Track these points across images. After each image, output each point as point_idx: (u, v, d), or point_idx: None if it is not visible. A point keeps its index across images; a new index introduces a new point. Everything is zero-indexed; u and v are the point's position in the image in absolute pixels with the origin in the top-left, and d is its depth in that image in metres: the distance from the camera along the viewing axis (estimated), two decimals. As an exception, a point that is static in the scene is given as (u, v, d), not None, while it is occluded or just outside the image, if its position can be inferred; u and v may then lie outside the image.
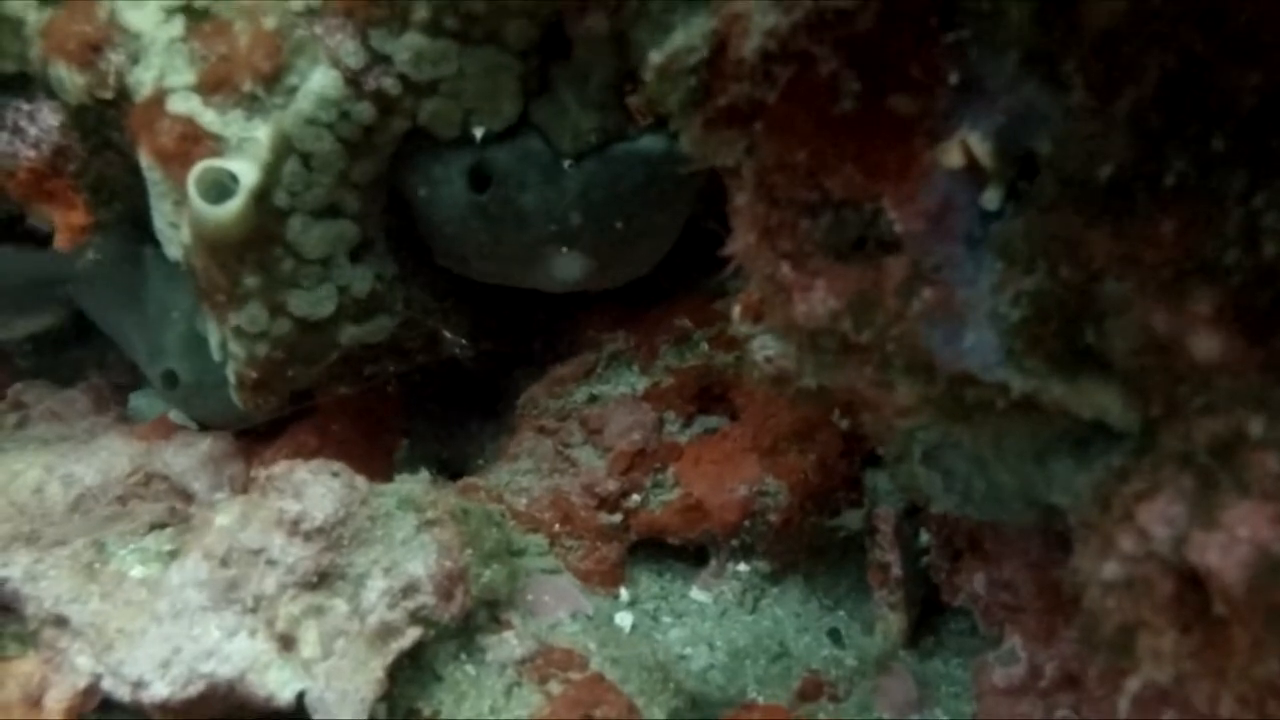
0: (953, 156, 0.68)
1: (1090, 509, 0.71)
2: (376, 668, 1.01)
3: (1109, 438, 0.76)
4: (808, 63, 0.65)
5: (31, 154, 1.26)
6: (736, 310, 0.88)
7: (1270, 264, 0.57)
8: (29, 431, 1.58)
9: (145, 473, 1.42)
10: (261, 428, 1.51)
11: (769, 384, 0.87)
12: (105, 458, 1.42)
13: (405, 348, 1.40)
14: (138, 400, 1.66)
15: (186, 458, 1.45)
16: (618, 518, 1.28)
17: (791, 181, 0.70)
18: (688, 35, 0.68)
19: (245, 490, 1.43)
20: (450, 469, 1.55)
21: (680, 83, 0.68)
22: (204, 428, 1.51)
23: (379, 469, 1.50)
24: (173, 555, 1.14)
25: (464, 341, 1.44)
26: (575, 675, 1.07)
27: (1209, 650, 0.63)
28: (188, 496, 1.44)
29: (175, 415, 1.51)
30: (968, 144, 0.68)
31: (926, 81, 0.68)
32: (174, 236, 1.22)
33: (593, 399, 1.35)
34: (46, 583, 1.12)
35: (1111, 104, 0.59)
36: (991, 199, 0.69)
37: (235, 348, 1.25)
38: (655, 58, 0.69)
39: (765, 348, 0.87)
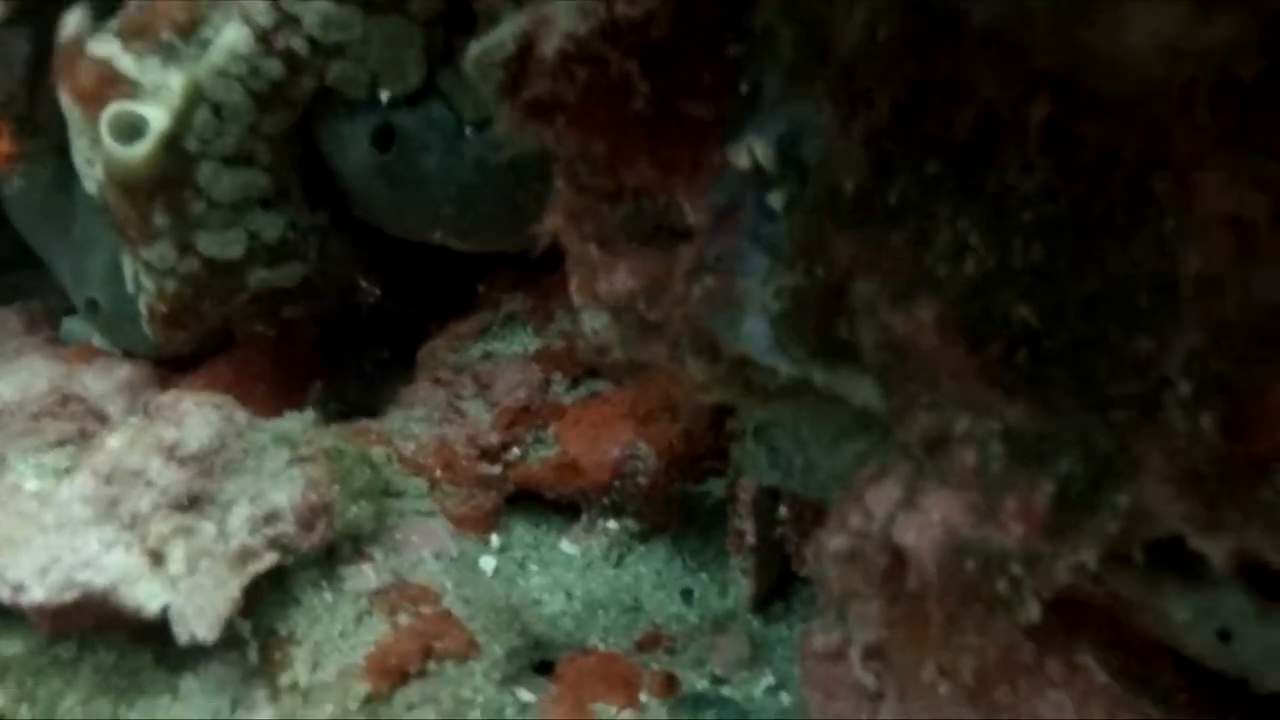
0: (742, 159, 0.75)
1: (837, 488, 0.78)
2: (233, 587, 1.08)
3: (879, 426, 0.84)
4: (603, 65, 0.72)
5: (-38, 83, 1.33)
6: (573, 283, 0.95)
7: (974, 280, 0.64)
8: (-41, 346, 1.65)
9: (63, 394, 1.49)
10: (181, 358, 1.58)
11: (593, 354, 0.94)
12: (25, 376, 1.49)
13: (321, 293, 1.47)
14: (71, 324, 1.73)
15: (104, 382, 1.52)
16: (497, 469, 1.35)
17: (593, 171, 0.77)
18: (503, 32, 0.74)
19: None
20: (362, 414, 1.62)
21: (492, 75, 0.75)
22: (126, 355, 1.58)
23: (291, 407, 1.57)
24: (68, 472, 1.21)
25: (378, 291, 1.51)
26: (426, 609, 1.14)
27: (911, 621, 0.71)
28: (103, 419, 1.51)
29: (98, 341, 1.58)
30: (753, 148, 0.74)
31: (718, 88, 0.74)
32: (90, 172, 1.29)
33: (487, 355, 1.42)
34: (-53, 488, 1.20)
35: (851, 125, 0.66)
36: (776, 200, 0.76)
37: (146, 281, 1.32)
38: (472, 49, 0.76)
39: (590, 320, 0.93)
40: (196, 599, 1.08)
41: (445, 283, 1.62)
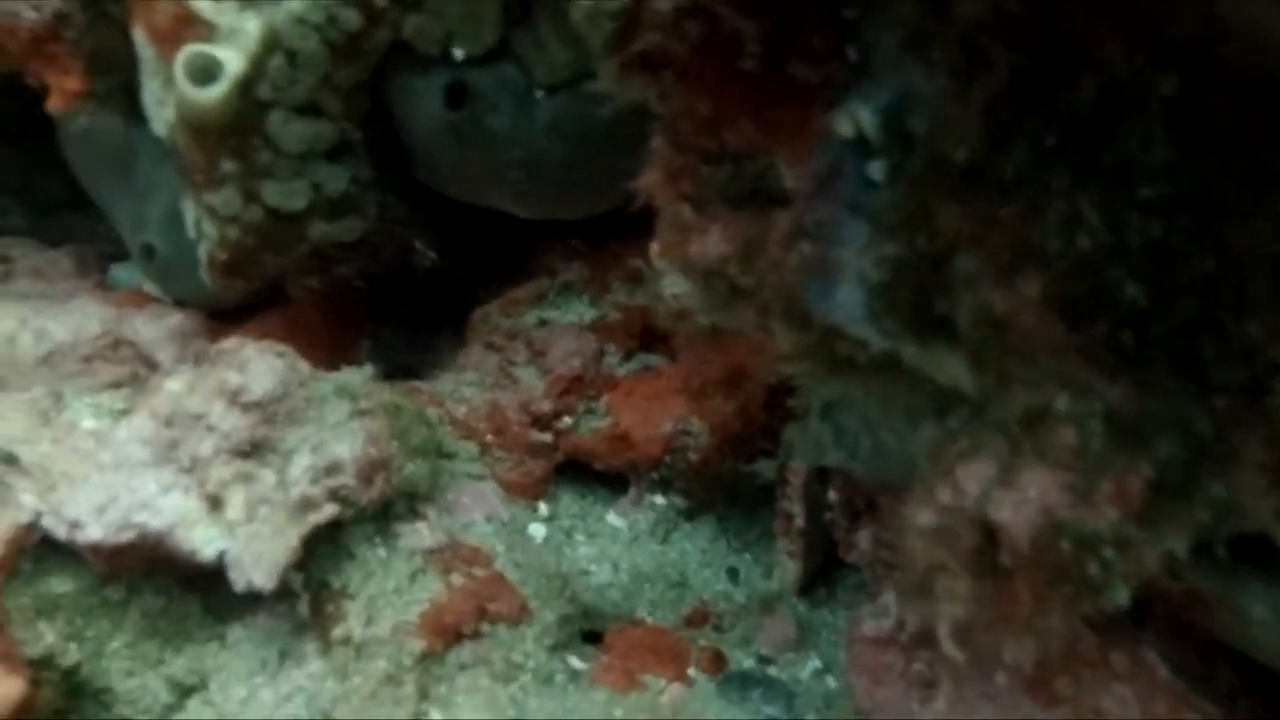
0: (844, 126, 0.74)
1: (924, 464, 0.77)
2: (292, 536, 1.08)
3: (970, 405, 0.83)
4: (715, 21, 0.71)
5: (33, 16, 1.32)
6: (654, 247, 0.95)
7: (1085, 257, 0.64)
8: (10, 286, 1.65)
9: (114, 337, 1.50)
10: (231, 310, 1.58)
11: (672, 319, 0.93)
12: (78, 318, 1.49)
13: (377, 251, 1.47)
14: (119, 271, 1.73)
15: (155, 328, 1.52)
16: (548, 436, 1.35)
17: (695, 130, 0.77)
18: (616, -17, 0.74)
19: (209, 367, 1.51)
20: (409, 375, 1.62)
21: (602, 25, 0.74)
22: (177, 303, 1.58)
23: (339, 363, 1.57)
24: (124, 413, 1.22)
25: (434, 254, 1.50)
26: (478, 571, 1.14)
27: (999, 599, 0.70)
28: (152, 365, 1.51)
29: (150, 287, 1.58)
30: (858, 116, 0.74)
31: (827, 53, 0.74)
32: (160, 114, 1.29)
33: (542, 323, 1.42)
34: (3, 423, 1.20)
35: (969, 92, 0.65)
36: (876, 170, 0.75)
37: (208, 227, 1.32)
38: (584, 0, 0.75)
39: (673, 285, 0.93)
40: (255, 546, 1.08)
41: (496, 249, 1.62)
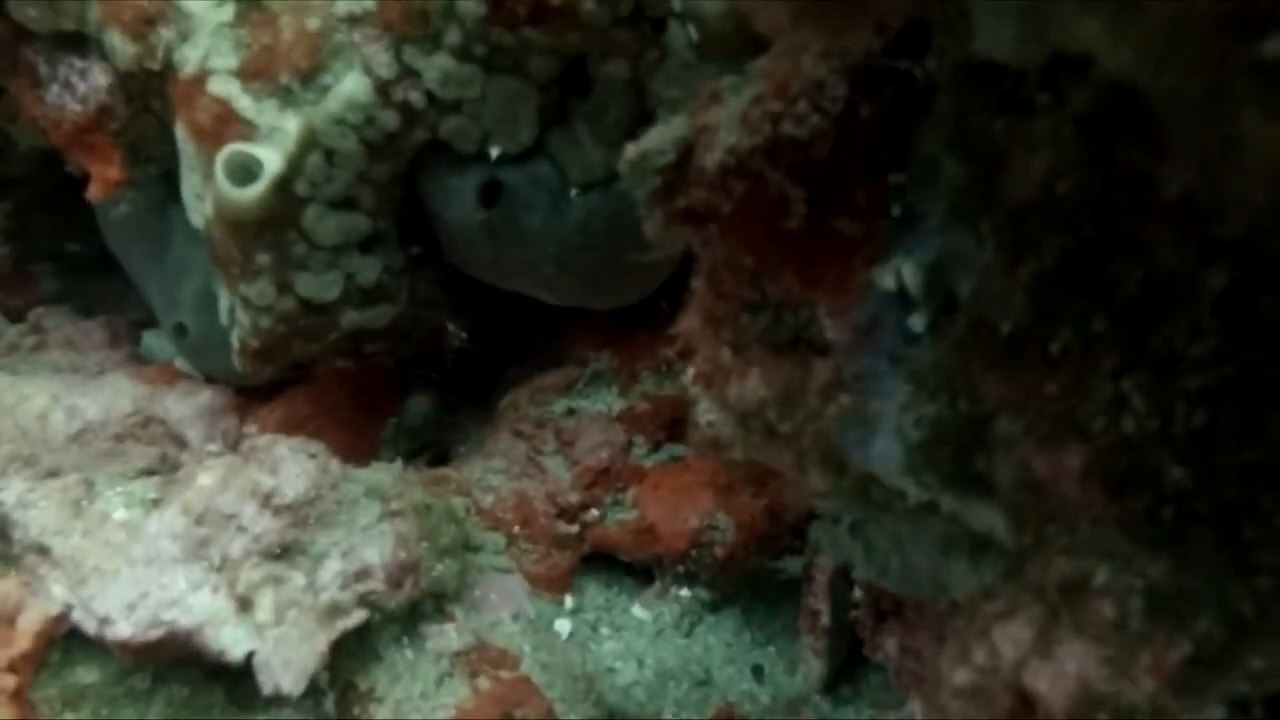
0: (887, 280, 0.75)
1: (961, 616, 0.78)
2: (321, 641, 1.09)
3: (1001, 549, 0.83)
4: (761, 181, 0.72)
5: (78, 109, 1.34)
6: (690, 373, 0.95)
7: (1130, 437, 0.64)
8: (44, 356, 1.66)
9: (145, 415, 1.50)
10: (260, 386, 1.59)
11: (707, 446, 0.94)
12: (110, 395, 1.50)
13: (407, 334, 1.48)
14: (150, 339, 1.74)
15: (185, 406, 1.53)
16: (575, 528, 1.35)
17: (737, 281, 0.77)
18: (661, 137, 0.74)
19: (236, 445, 1.52)
20: (434, 451, 1.63)
21: (648, 179, 0.75)
22: (207, 379, 1.59)
23: (366, 443, 1.58)
24: (155, 503, 1.22)
25: (465, 335, 1.51)
26: (505, 674, 1.15)
27: (1036, 765, 0.70)
28: (182, 443, 1.52)
29: (181, 363, 1.59)
30: (901, 272, 0.74)
31: (871, 210, 0.74)
32: (198, 206, 1.30)
33: (570, 412, 1.42)
34: (36, 512, 1.20)
35: (1016, 269, 0.66)
36: (917, 323, 0.75)
37: (242, 316, 1.33)
38: (630, 151, 0.76)
39: (707, 412, 0.93)
40: (283, 650, 1.08)
41: (525, 329, 1.63)
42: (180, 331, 1.51)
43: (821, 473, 0.81)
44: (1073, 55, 0.60)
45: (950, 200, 0.70)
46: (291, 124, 1.21)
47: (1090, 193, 0.62)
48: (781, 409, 0.80)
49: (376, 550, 1.12)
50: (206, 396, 1.54)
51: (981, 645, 0.73)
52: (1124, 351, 0.64)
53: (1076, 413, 0.66)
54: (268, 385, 1.59)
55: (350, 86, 1.19)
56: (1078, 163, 0.62)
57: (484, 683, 1.13)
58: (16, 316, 1.72)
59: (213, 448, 1.52)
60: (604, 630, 1.32)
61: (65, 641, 1.20)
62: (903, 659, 1.17)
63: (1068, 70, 0.63)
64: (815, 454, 0.80)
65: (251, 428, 1.55)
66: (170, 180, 1.44)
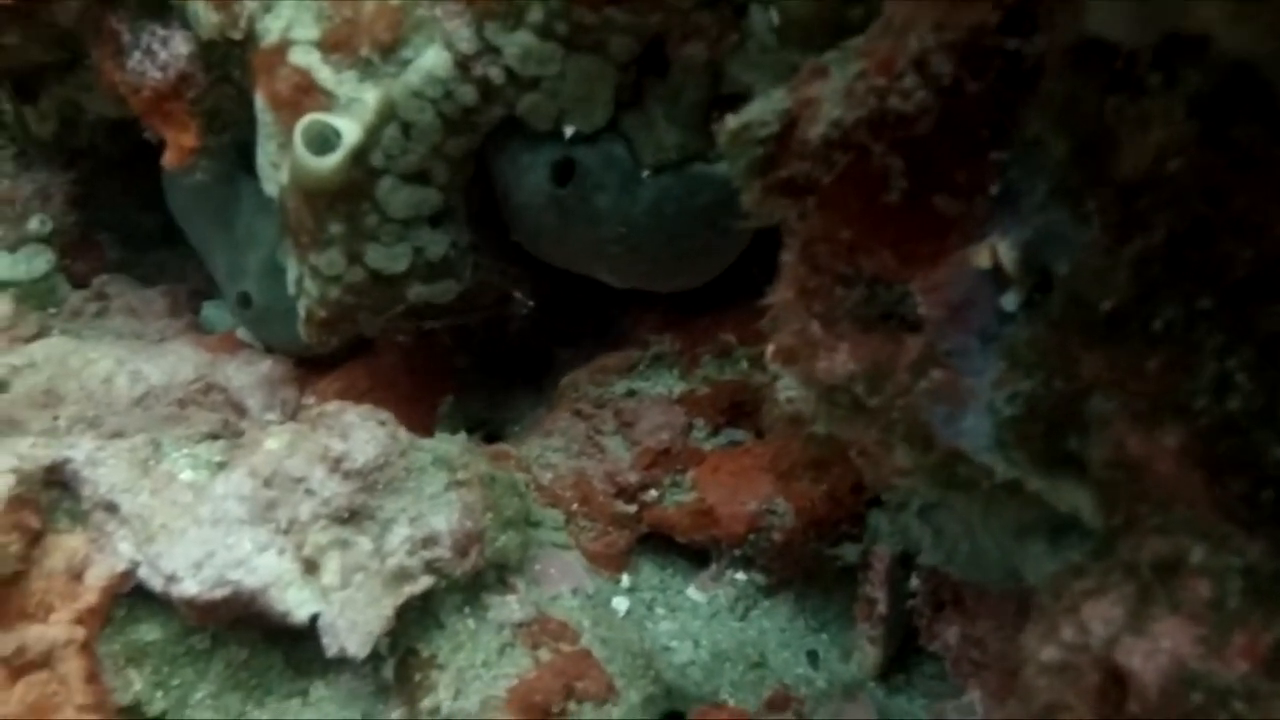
0: (982, 258, 0.75)
1: (1046, 595, 0.78)
2: (387, 606, 1.10)
3: (1082, 531, 0.83)
4: (864, 154, 0.73)
5: (158, 76, 1.36)
6: (770, 350, 0.96)
7: (1232, 417, 0.64)
8: (106, 322, 1.68)
9: (206, 382, 1.52)
10: (319, 358, 1.60)
11: (786, 422, 0.94)
12: (173, 361, 1.52)
13: (468, 310, 1.49)
14: (209, 310, 1.76)
15: (246, 375, 1.55)
16: (633, 508, 1.36)
17: (833, 254, 0.78)
18: (763, 109, 0.75)
19: (294, 415, 1.53)
20: (487, 429, 1.64)
21: (748, 150, 0.76)
22: (267, 349, 1.60)
23: (422, 417, 1.58)
24: (220, 466, 1.23)
25: (530, 303, 1.52)
26: (565, 647, 1.15)
27: (1122, 743, 0.70)
28: (241, 411, 1.53)
29: (242, 333, 1.61)
30: (996, 250, 0.75)
31: (970, 187, 0.75)
32: (273, 175, 1.31)
33: (631, 393, 1.43)
34: (105, 470, 1.22)
35: (1121, 247, 0.66)
36: (1010, 302, 0.76)
37: (310, 286, 1.34)
38: (731, 122, 0.76)
39: (788, 389, 0.94)
40: (349, 613, 1.09)
41: (582, 311, 1.64)
42: (244, 301, 1.52)
43: (907, 449, 0.82)
44: (1189, 35, 0.61)
45: (1054, 178, 0.70)
46: (370, 95, 1.22)
47: (1202, 172, 0.62)
48: (870, 383, 0.80)
49: (444, 518, 1.13)
50: (267, 366, 1.56)
51: (1070, 623, 0.73)
52: (1230, 331, 0.64)
53: (1177, 392, 0.67)
54: (326, 358, 1.61)
55: (430, 60, 1.20)
56: (1190, 142, 0.62)
57: (545, 654, 1.13)
58: (81, 283, 1.74)
59: (271, 416, 1.54)
60: (659, 610, 1.33)
61: (129, 599, 1.21)
62: (964, 648, 1.18)
63: (1182, 50, 0.63)
64: (902, 429, 0.81)
65: (310, 398, 1.56)
66: (240, 150, 1.45)
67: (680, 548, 1.39)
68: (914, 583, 1.32)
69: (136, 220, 1.85)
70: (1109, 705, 0.71)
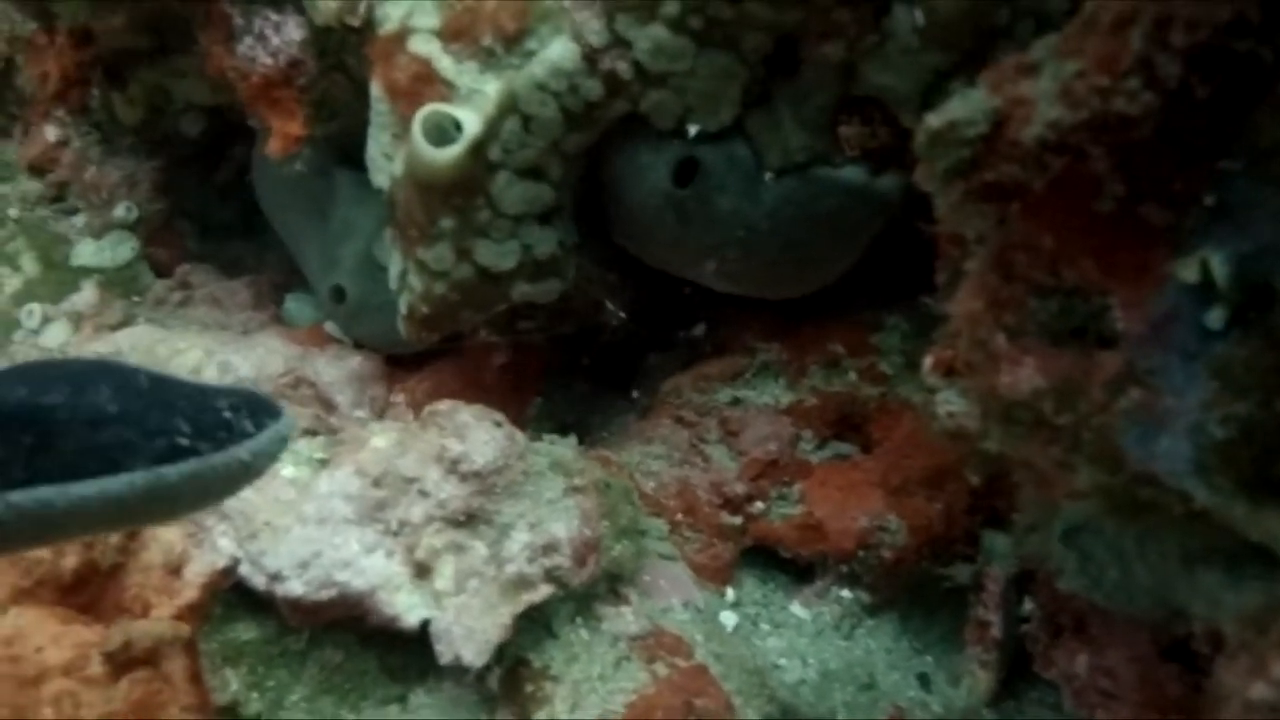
0: (1190, 272, 0.71)
1: (1244, 628, 0.74)
2: (506, 614, 1.06)
3: (1265, 561, 0.79)
4: (1080, 158, 0.69)
5: (269, 62, 1.32)
6: (928, 361, 0.92)
7: None
8: (190, 312, 1.65)
9: (296, 376, 1.49)
10: (407, 356, 1.57)
11: (947, 438, 0.91)
12: (262, 354, 1.48)
13: (565, 313, 1.45)
14: (292, 303, 1.73)
15: (336, 370, 1.51)
16: (738, 520, 1.32)
17: (1032, 263, 0.74)
18: (969, 108, 0.71)
19: (383, 413, 1.50)
20: (573, 434, 1.60)
21: (952, 151, 0.72)
22: (355, 344, 1.57)
23: (511, 421, 1.55)
24: (322, 464, 1.20)
25: (622, 314, 1.49)
26: (681, 662, 1.11)
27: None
28: (330, 406, 1.50)
29: (330, 327, 1.58)
30: (1208, 263, 0.71)
31: (1184, 197, 0.71)
32: (385, 166, 1.28)
33: (736, 401, 1.39)
34: (203, 464, 1.18)
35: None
36: (1216, 319, 0.72)
37: (415, 281, 1.31)
38: (933, 121, 0.73)
39: (949, 403, 0.90)
40: (464, 620, 1.06)
41: (670, 318, 1.60)
42: (338, 294, 1.49)
43: (1093, 469, 0.78)
44: None
45: (1290, 189, 0.66)
46: (491, 87, 1.18)
47: None
48: (1060, 400, 0.76)
49: (564, 525, 1.09)
50: (357, 361, 1.53)
51: (1280, 660, 0.69)
52: None
53: None
54: (414, 356, 1.57)
55: (557, 52, 1.17)
56: None
57: (662, 669, 1.10)
58: (162, 272, 1.71)
59: (361, 413, 1.51)
60: (764, 626, 1.29)
61: (226, 597, 1.18)
62: (1090, 677, 1.13)
63: None
64: (1090, 449, 0.77)
65: (399, 397, 1.53)
66: (343, 142, 1.42)
67: (781, 562, 1.35)
68: (1026, 606, 1.28)
69: (214, 210, 1.83)
70: (1327, 749, 0.67)
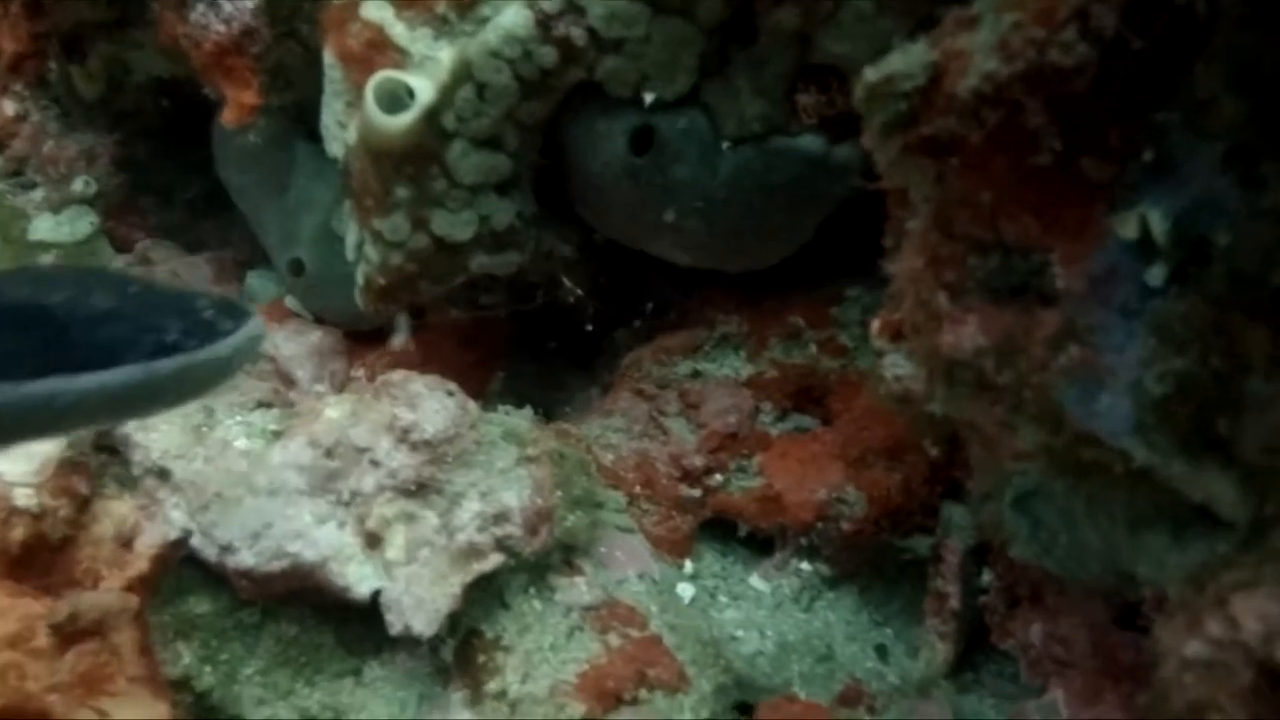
0: (1129, 228, 0.71)
1: (1183, 587, 0.73)
2: (455, 583, 1.05)
3: (1209, 522, 0.79)
4: (1017, 111, 0.68)
5: (221, 29, 1.31)
6: (876, 325, 0.91)
7: None
8: (150, 287, 1.64)
9: (255, 350, 1.47)
10: (368, 331, 1.56)
11: (893, 402, 0.90)
12: (221, 328, 1.47)
13: (525, 286, 1.44)
14: (254, 279, 1.72)
15: (295, 345, 1.50)
16: (697, 492, 1.32)
17: (971, 219, 0.73)
18: (907, 61, 0.70)
19: (343, 388, 1.49)
20: (536, 410, 1.59)
21: (889, 105, 0.71)
22: (316, 319, 1.56)
23: (474, 394, 1.54)
24: (275, 435, 1.19)
25: (580, 292, 1.48)
26: (634, 632, 1.11)
27: (1276, 744, 0.66)
28: (290, 381, 1.49)
29: (290, 302, 1.56)
30: (1147, 219, 0.70)
31: (1122, 152, 0.70)
32: (338, 135, 1.27)
33: (695, 374, 1.39)
34: (156, 435, 1.17)
35: (1302, 216, 0.62)
36: (1156, 275, 0.71)
37: (371, 251, 1.30)
38: (870, 75, 0.72)
39: (897, 366, 0.90)
40: (415, 590, 1.05)
41: (634, 292, 1.60)
42: (296, 268, 1.48)
43: (1034, 429, 0.77)
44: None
45: (1227, 142, 0.66)
46: (445, 54, 1.17)
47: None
48: (1001, 359, 0.76)
49: (515, 494, 1.08)
50: (316, 337, 1.52)
51: (1218, 617, 0.69)
52: None
53: (1356, 372, 0.62)
54: (375, 330, 1.56)
55: (510, 19, 1.15)
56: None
57: (615, 639, 1.09)
58: (123, 247, 1.70)
59: (320, 388, 1.50)
60: (722, 598, 1.28)
61: (179, 570, 1.17)
62: (1045, 646, 1.13)
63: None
64: (1031, 409, 0.76)
65: (360, 371, 1.52)
66: (300, 113, 1.41)
67: (740, 535, 1.35)
68: (985, 577, 1.28)
69: (177, 186, 1.82)
70: (1264, 704, 0.67)
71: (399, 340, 1.49)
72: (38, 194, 1.68)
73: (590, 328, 1.59)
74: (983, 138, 0.70)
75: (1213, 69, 0.65)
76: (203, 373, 0.77)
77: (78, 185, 1.67)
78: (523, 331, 1.62)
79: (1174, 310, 0.70)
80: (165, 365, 0.74)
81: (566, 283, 1.46)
